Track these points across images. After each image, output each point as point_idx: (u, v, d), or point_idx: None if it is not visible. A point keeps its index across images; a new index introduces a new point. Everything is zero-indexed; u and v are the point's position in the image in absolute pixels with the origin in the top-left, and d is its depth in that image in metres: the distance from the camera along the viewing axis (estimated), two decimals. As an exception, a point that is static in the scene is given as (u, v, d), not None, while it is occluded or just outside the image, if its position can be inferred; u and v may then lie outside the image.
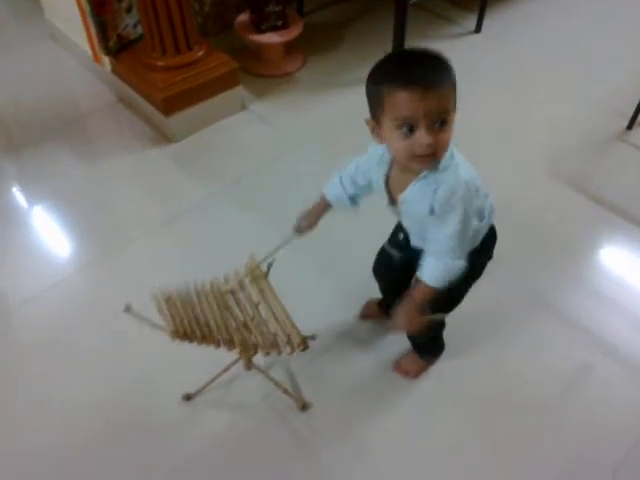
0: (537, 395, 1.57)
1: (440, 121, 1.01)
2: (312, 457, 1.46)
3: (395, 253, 1.46)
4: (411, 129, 1.02)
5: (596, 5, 3.07)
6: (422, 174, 1.11)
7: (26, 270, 1.90)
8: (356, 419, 1.53)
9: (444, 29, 2.96)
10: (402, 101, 0.99)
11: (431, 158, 1.05)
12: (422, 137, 1.01)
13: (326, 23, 3.00)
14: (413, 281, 1.39)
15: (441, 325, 1.51)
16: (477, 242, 1.26)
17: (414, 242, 1.31)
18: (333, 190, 1.34)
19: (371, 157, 1.22)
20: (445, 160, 1.09)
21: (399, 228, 1.40)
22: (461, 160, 1.12)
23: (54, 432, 1.51)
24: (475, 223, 1.18)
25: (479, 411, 1.54)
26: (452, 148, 1.10)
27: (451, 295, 1.33)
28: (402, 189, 1.17)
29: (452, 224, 1.11)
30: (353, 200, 1.33)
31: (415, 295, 1.22)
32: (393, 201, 1.22)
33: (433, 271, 1.18)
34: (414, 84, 0.98)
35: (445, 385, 1.58)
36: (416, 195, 1.14)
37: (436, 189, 1.09)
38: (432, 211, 1.12)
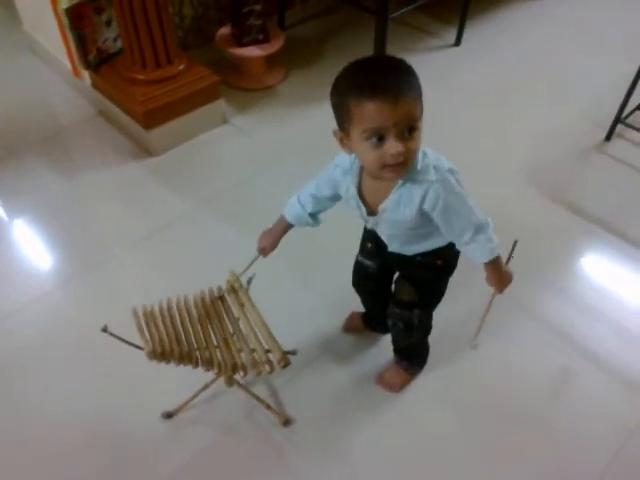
0: (520, 404, 1.57)
1: (409, 129, 1.02)
2: (295, 472, 1.44)
3: (369, 263, 1.46)
4: (380, 139, 1.02)
5: (574, 17, 3.13)
6: (400, 181, 1.11)
7: (5, 285, 1.87)
8: (339, 433, 1.51)
9: (424, 42, 2.99)
10: (371, 112, 0.99)
11: (402, 167, 1.06)
12: (392, 146, 1.01)
13: (307, 37, 3.01)
14: (394, 289, 1.41)
15: (427, 330, 1.51)
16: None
17: (393, 248, 1.30)
18: (292, 210, 1.34)
19: (338, 167, 1.22)
20: (419, 162, 1.10)
21: (366, 238, 1.40)
22: (432, 155, 1.13)
23: (32, 446, 1.48)
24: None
25: (462, 421, 1.54)
26: (420, 149, 1.10)
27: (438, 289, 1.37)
28: (380, 198, 1.17)
29: (465, 210, 1.13)
30: (314, 217, 1.34)
31: (491, 270, 1.22)
32: (371, 211, 1.21)
33: (484, 252, 1.18)
34: (382, 94, 0.98)
35: (428, 397, 1.58)
36: (399, 202, 1.14)
37: (424, 193, 1.10)
38: (421, 214, 1.13)
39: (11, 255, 1.97)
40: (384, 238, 1.30)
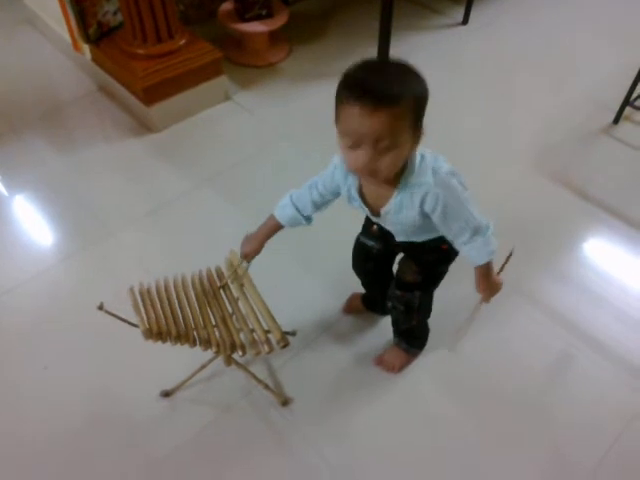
0: (519, 389, 1.56)
1: (387, 143, 0.97)
2: (293, 452, 1.44)
3: (373, 244, 1.44)
4: (357, 143, 0.99)
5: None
6: (399, 185, 1.10)
7: (4, 261, 1.86)
8: (338, 414, 1.51)
9: (431, 20, 2.94)
10: (348, 115, 0.96)
11: (373, 176, 1.03)
12: (360, 156, 0.99)
13: (312, 13, 2.96)
14: (397, 270, 1.41)
15: (427, 312, 1.50)
16: None
17: (400, 239, 1.30)
18: (285, 213, 1.31)
19: (338, 168, 1.20)
20: (417, 167, 1.09)
21: (370, 221, 1.39)
22: (430, 157, 1.12)
23: (28, 422, 1.49)
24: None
25: (460, 404, 1.53)
26: (418, 152, 1.10)
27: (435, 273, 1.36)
28: (381, 200, 1.16)
29: (464, 212, 1.12)
30: (308, 218, 1.32)
31: (481, 275, 1.22)
32: (374, 212, 1.21)
33: (480, 254, 1.17)
34: (362, 101, 0.93)
35: (427, 379, 1.57)
36: (401, 206, 1.14)
37: (423, 197, 1.10)
38: (423, 215, 1.13)
39: (10, 231, 1.96)
40: (392, 232, 1.29)
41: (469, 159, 2.21)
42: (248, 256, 1.36)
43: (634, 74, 2.20)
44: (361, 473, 1.41)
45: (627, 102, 2.28)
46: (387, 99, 0.93)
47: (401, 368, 1.59)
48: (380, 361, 1.60)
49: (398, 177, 1.10)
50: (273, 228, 1.33)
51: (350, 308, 1.72)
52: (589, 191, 2.08)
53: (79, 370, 1.59)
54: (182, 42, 2.26)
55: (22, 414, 1.51)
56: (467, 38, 2.83)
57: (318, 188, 1.26)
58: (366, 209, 1.22)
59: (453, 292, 1.51)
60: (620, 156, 2.23)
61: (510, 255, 1.30)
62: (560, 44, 2.78)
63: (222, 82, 2.40)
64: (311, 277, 1.80)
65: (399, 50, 2.65)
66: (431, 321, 1.54)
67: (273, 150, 2.23)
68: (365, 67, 0.98)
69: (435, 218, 1.13)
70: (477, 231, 1.14)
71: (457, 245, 1.19)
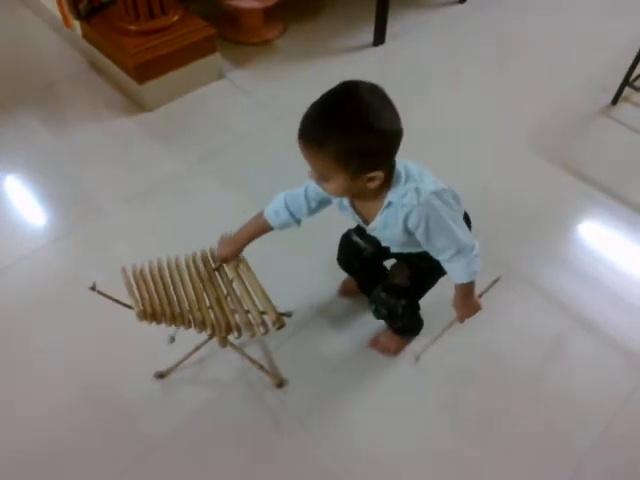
0: (515, 371, 1.56)
1: (317, 175, 1.06)
2: (288, 434, 1.43)
3: (365, 245, 1.43)
4: None
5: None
6: (385, 203, 1.12)
7: (-6, 241, 1.84)
8: (333, 396, 1.51)
9: (429, -2, 2.89)
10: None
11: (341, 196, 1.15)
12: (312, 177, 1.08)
13: (307, -11, 2.90)
14: (390, 270, 1.41)
15: (416, 309, 1.49)
16: None
17: (394, 250, 1.31)
18: (279, 217, 1.29)
19: None
20: (401, 186, 1.09)
21: None
22: (416, 175, 1.11)
23: (24, 402, 1.48)
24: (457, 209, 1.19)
25: (458, 386, 1.53)
26: (404, 171, 1.10)
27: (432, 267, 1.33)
28: (371, 213, 1.18)
29: (447, 231, 1.12)
30: (299, 221, 1.31)
31: (460, 294, 1.24)
32: (366, 221, 1.22)
33: (461, 273, 1.19)
34: (301, 134, 1.01)
35: (422, 361, 1.56)
36: (386, 224, 1.15)
37: (406, 216, 1.10)
38: (407, 232, 1.14)
39: (0, 211, 1.93)
40: (384, 243, 1.30)
41: (465, 139, 2.20)
42: (226, 259, 1.34)
43: (634, 54, 2.17)
44: (356, 454, 1.41)
45: (626, 83, 2.25)
46: (311, 141, 1.01)
47: (397, 351, 1.58)
48: (375, 343, 1.59)
49: (384, 193, 1.11)
50: (260, 230, 1.32)
51: (345, 291, 1.71)
52: (586, 173, 2.07)
53: (72, 351, 1.57)
54: (175, 18, 2.21)
55: (14, 393, 1.50)
56: (465, 17, 2.78)
57: (309, 193, 1.25)
58: (357, 217, 1.22)
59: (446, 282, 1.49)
60: (618, 138, 2.21)
61: (495, 281, 1.31)
62: (560, 24, 2.74)
63: (216, 60, 2.36)
64: (306, 259, 1.78)
65: (396, 29, 2.61)
66: (429, 302, 1.51)
67: (268, 130, 2.20)
68: (321, 104, 1.01)
69: (418, 236, 1.14)
70: (460, 251, 1.14)
71: (441, 262, 1.19)
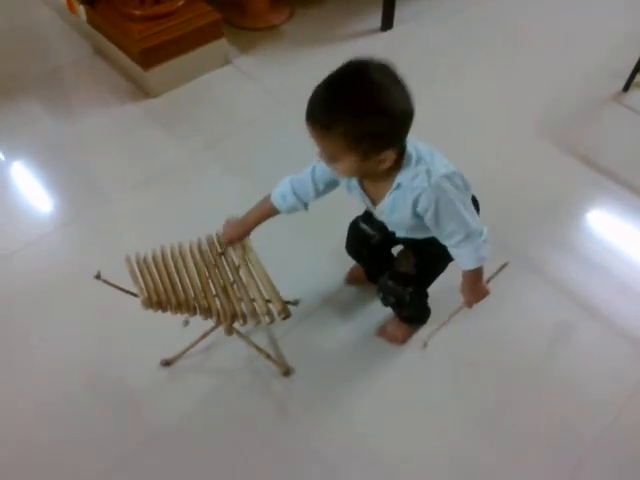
0: (522, 360, 1.54)
1: (327, 157, 1.04)
2: (294, 422, 1.43)
3: (373, 233, 1.42)
4: None
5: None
6: (394, 184, 1.10)
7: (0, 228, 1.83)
8: (339, 384, 1.50)
9: (438, -18, 2.84)
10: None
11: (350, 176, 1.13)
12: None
13: (314, -26, 2.86)
14: (397, 258, 1.39)
15: (424, 296, 1.48)
16: None
17: (400, 235, 1.29)
18: (286, 202, 1.27)
19: None
20: (411, 168, 1.07)
21: None
22: (427, 158, 1.09)
23: (29, 390, 1.48)
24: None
25: (464, 375, 1.52)
26: (415, 153, 1.08)
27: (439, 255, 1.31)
28: (379, 196, 1.16)
29: (457, 216, 1.10)
30: (307, 205, 1.30)
31: (468, 279, 1.22)
32: (374, 203, 1.20)
33: (469, 259, 1.17)
34: (308, 116, 1.00)
35: (429, 350, 1.55)
36: (394, 205, 1.14)
37: (416, 199, 1.09)
38: (416, 215, 1.13)
39: (5, 198, 1.92)
40: (392, 228, 1.28)
41: (474, 126, 2.17)
42: (232, 242, 1.33)
43: (646, 40, 2.14)
44: (361, 443, 1.40)
45: (638, 69, 2.21)
46: (319, 124, 0.99)
47: (404, 340, 1.57)
48: (382, 332, 1.58)
49: (393, 175, 1.09)
50: (267, 214, 1.31)
51: (352, 279, 1.69)
52: (596, 160, 2.04)
53: (77, 339, 1.57)
54: (180, 3, 2.19)
55: (20, 382, 1.50)
56: (475, 1, 2.73)
57: (316, 175, 1.23)
58: (365, 198, 1.20)
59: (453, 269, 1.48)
60: (630, 124, 2.18)
61: (504, 266, 1.29)
62: (572, 10, 2.69)
63: (222, 45, 2.33)
64: (313, 246, 1.77)
65: (404, 14, 2.57)
66: (436, 291, 1.50)
67: (274, 116, 2.18)
68: (328, 85, 0.99)
69: (427, 220, 1.12)
70: (469, 236, 1.13)
71: (448, 247, 1.18)
